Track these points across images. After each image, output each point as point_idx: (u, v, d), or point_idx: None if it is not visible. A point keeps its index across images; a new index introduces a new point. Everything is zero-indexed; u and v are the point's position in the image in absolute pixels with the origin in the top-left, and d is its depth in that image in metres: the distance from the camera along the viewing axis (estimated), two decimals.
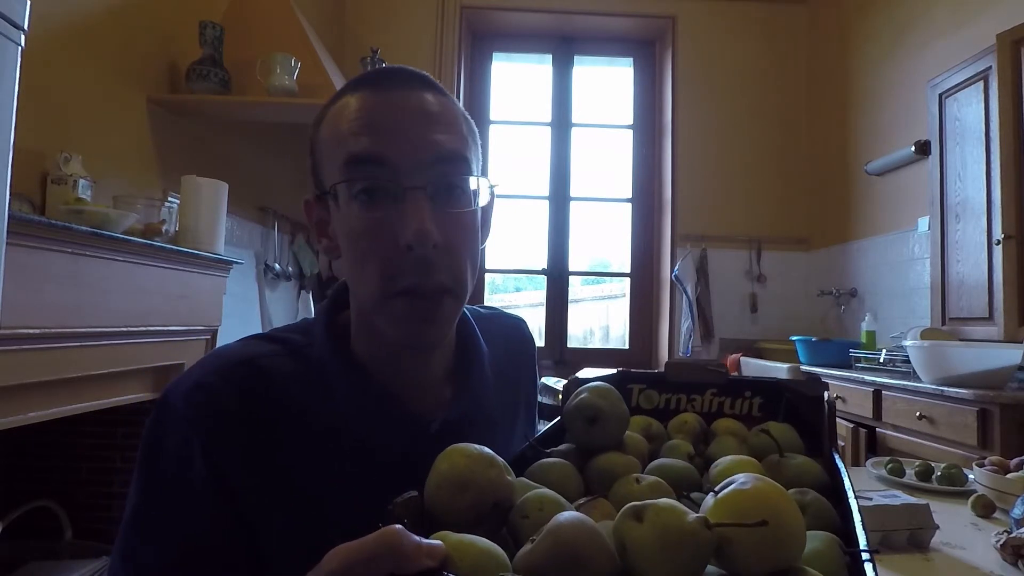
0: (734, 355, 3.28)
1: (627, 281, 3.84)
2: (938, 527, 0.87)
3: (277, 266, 2.67)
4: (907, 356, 2.04)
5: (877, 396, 2.15)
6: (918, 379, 1.97)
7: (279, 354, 0.56)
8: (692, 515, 0.34)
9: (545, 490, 0.43)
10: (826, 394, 0.62)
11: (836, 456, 0.54)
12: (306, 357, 0.57)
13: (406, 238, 0.50)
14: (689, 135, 3.58)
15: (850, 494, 0.44)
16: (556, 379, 2.71)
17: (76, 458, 1.72)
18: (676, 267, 3.47)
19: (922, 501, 0.89)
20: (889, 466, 1.19)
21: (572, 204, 3.82)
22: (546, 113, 3.86)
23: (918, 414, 1.91)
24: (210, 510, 0.49)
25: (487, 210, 0.61)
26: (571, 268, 3.81)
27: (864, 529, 0.39)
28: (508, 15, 3.66)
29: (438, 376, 0.61)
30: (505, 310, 0.79)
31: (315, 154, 0.58)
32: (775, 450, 0.54)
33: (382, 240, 0.52)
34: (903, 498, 0.90)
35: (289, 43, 2.21)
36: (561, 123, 3.84)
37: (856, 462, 2.18)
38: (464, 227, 0.55)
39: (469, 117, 0.59)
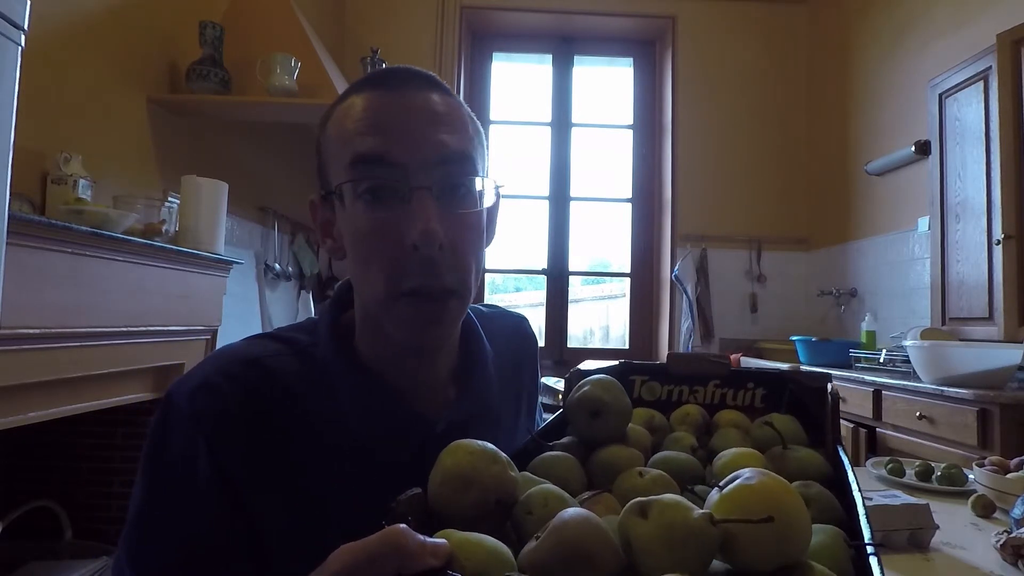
0: (734, 355, 3.28)
1: (627, 281, 3.84)
2: (938, 527, 0.87)
3: (277, 266, 2.67)
4: (907, 356, 2.04)
5: (877, 396, 2.15)
6: (918, 379, 1.97)
7: (284, 354, 0.56)
8: (697, 511, 0.34)
9: (549, 486, 0.43)
10: (829, 385, 0.61)
11: (840, 448, 0.54)
12: (311, 357, 0.57)
13: (412, 238, 0.50)
14: (689, 135, 3.58)
15: (854, 486, 0.44)
16: (556, 379, 2.70)
17: (76, 458, 1.72)
18: (676, 267, 3.47)
19: (922, 501, 0.89)
20: (889, 466, 1.19)
21: (572, 204, 3.82)
22: (546, 113, 3.86)
23: (918, 414, 1.91)
24: (214, 509, 0.49)
25: (492, 211, 0.61)
26: (571, 268, 3.81)
27: (868, 521, 0.39)
28: (508, 15, 3.66)
29: (442, 376, 0.61)
30: (507, 308, 0.79)
31: (321, 154, 0.57)
32: (778, 442, 0.54)
33: (387, 240, 0.51)
34: (903, 498, 0.90)
35: (289, 43, 2.21)
36: (561, 123, 3.84)
37: (856, 462, 2.17)
38: (470, 228, 0.54)
39: (475, 118, 0.59)
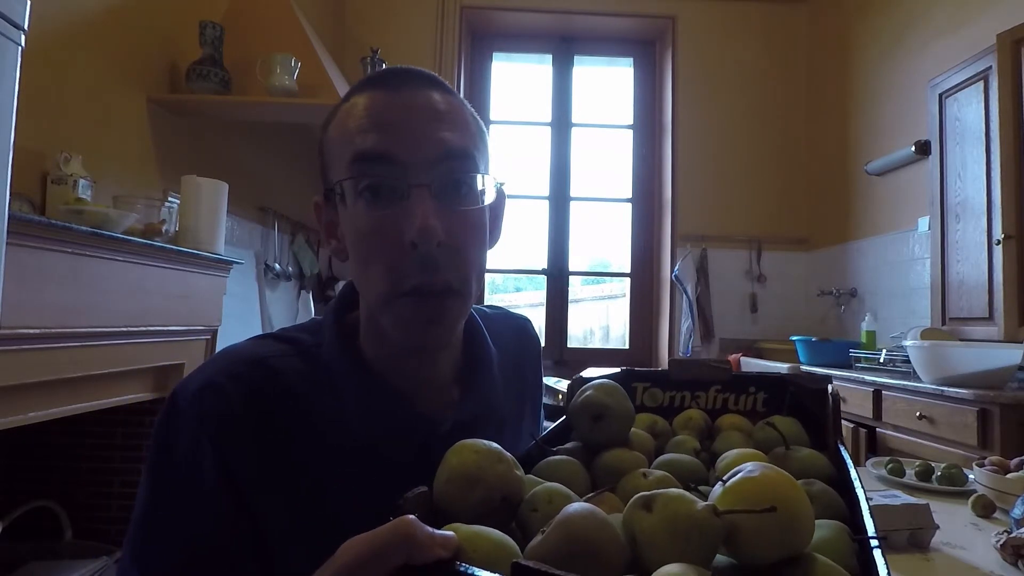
0: (734, 355, 3.28)
1: (627, 281, 3.84)
2: (938, 527, 0.87)
3: (277, 266, 2.67)
4: (907, 356, 2.04)
5: (877, 396, 2.15)
6: (918, 379, 1.97)
7: (288, 354, 0.56)
8: (701, 503, 0.34)
9: (554, 484, 0.43)
10: (830, 387, 0.62)
11: (841, 447, 0.54)
12: (315, 357, 0.57)
13: (410, 235, 0.50)
14: (689, 135, 3.58)
15: (856, 484, 0.44)
16: (556, 379, 2.70)
17: (76, 458, 1.72)
18: (676, 267, 3.47)
19: (922, 501, 0.89)
20: (889, 466, 1.19)
21: (572, 204, 3.82)
22: (546, 113, 3.86)
23: (918, 414, 1.91)
24: (219, 510, 0.49)
25: (497, 211, 0.60)
26: (571, 268, 3.81)
27: (872, 517, 0.39)
28: (508, 15, 3.66)
29: (446, 376, 0.61)
30: (510, 309, 0.79)
31: (324, 155, 0.57)
32: (781, 443, 0.54)
33: (387, 239, 0.51)
34: (903, 498, 0.90)
35: (289, 43, 2.21)
36: (561, 123, 3.84)
37: (856, 462, 2.17)
38: (470, 225, 0.54)
39: (478, 118, 0.59)
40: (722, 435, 0.61)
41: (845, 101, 3.32)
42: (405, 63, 0.60)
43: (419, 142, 0.52)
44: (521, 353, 0.73)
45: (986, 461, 1.08)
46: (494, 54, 3.87)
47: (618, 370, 0.69)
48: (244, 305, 2.45)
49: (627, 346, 3.81)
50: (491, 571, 0.29)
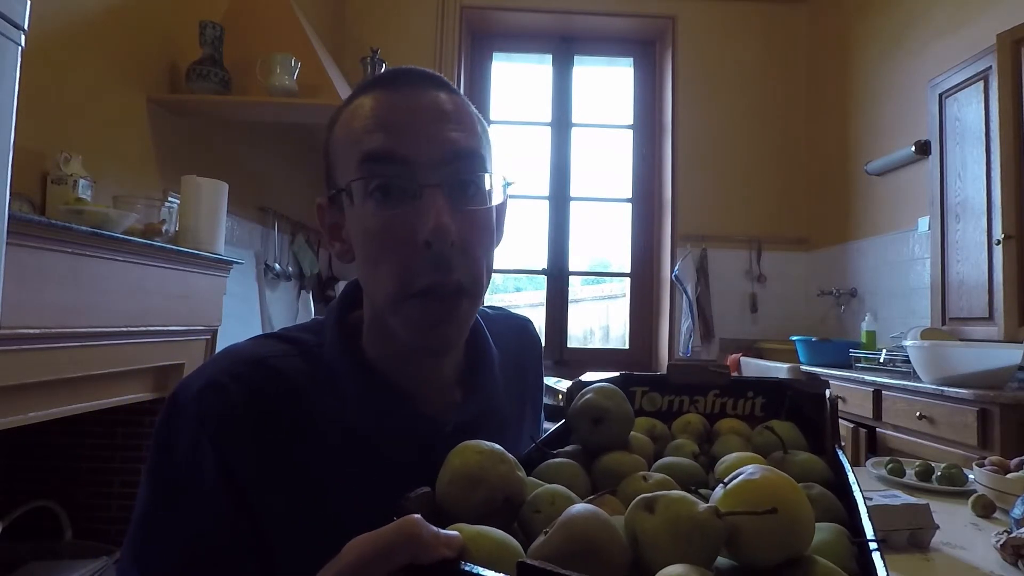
0: (734, 355, 3.28)
1: (627, 281, 3.84)
2: (938, 527, 0.87)
3: (277, 266, 2.67)
4: (907, 356, 2.04)
5: (877, 396, 2.15)
6: (918, 379, 1.97)
7: (290, 354, 0.56)
8: (703, 505, 0.35)
9: (556, 486, 0.44)
10: (827, 392, 0.62)
11: (839, 452, 0.54)
12: (317, 357, 0.56)
13: (424, 235, 0.49)
14: (689, 135, 3.58)
15: (855, 487, 0.45)
16: (556, 379, 2.71)
17: (76, 458, 1.72)
18: (676, 267, 3.47)
19: (922, 501, 0.89)
20: (889, 466, 1.19)
21: (572, 204, 3.82)
22: (546, 113, 3.86)
23: (918, 414, 1.91)
24: (220, 510, 0.49)
25: (501, 210, 0.60)
26: (571, 268, 3.81)
27: (871, 520, 0.39)
28: (508, 15, 3.66)
29: (449, 377, 0.61)
30: (511, 310, 0.79)
31: (329, 156, 0.57)
32: (779, 447, 0.55)
33: (398, 239, 0.51)
34: (903, 498, 0.90)
35: (289, 43, 2.21)
36: (561, 123, 3.85)
37: (856, 462, 2.17)
38: (480, 226, 0.54)
39: (482, 118, 0.59)
40: (721, 439, 0.61)
41: (845, 101, 3.32)
42: (405, 63, 0.60)
43: (428, 142, 0.52)
44: (522, 353, 0.73)
45: (986, 461, 1.09)
46: (494, 54, 3.87)
47: (617, 374, 0.69)
48: (244, 305, 2.45)
49: (627, 346, 3.81)
50: (495, 571, 0.29)
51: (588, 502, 0.44)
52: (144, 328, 1.49)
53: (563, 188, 3.80)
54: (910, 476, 1.17)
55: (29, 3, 0.90)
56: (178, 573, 0.48)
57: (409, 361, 0.57)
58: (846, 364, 2.57)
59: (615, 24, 3.73)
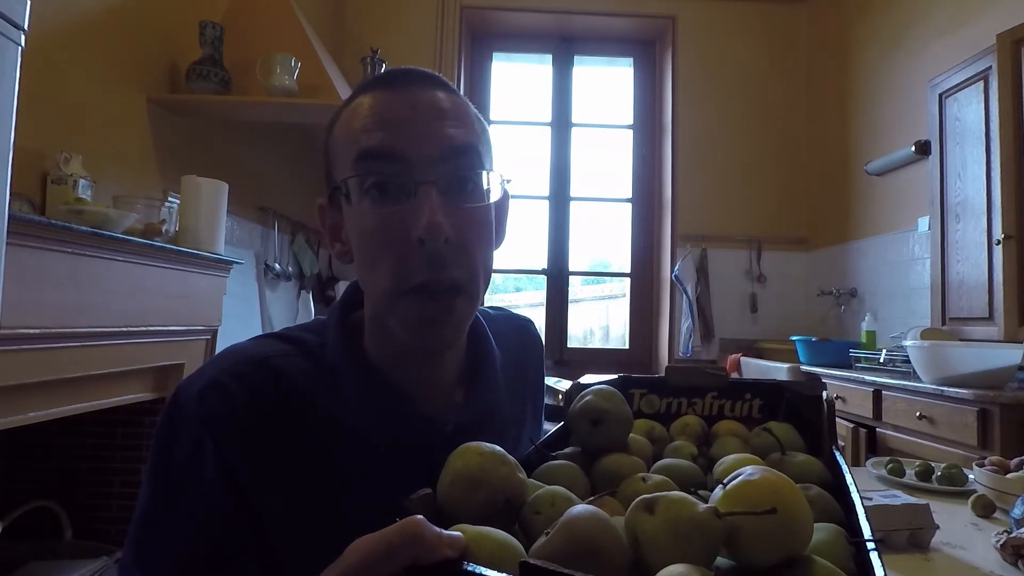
0: (734, 355, 3.28)
1: (627, 281, 3.84)
2: (938, 527, 0.87)
3: (277, 266, 2.67)
4: (907, 356, 2.04)
5: (877, 396, 2.15)
6: (918, 379, 1.97)
7: (292, 354, 0.56)
8: (703, 506, 0.35)
9: (556, 487, 0.44)
10: (824, 393, 0.63)
11: (837, 453, 0.55)
12: (319, 357, 0.56)
13: (417, 232, 0.49)
14: (689, 135, 3.58)
15: (852, 488, 0.45)
16: (556, 379, 2.71)
17: (76, 458, 1.72)
18: (676, 267, 3.47)
19: (922, 501, 0.89)
20: (889, 466, 1.19)
21: (572, 204, 3.82)
22: (546, 113, 3.86)
23: (918, 414, 1.91)
24: (222, 510, 0.49)
25: (501, 210, 0.60)
26: (571, 268, 3.81)
27: (868, 520, 0.39)
28: (508, 15, 3.66)
29: (450, 377, 0.61)
30: (512, 311, 0.79)
31: (328, 156, 0.57)
32: (777, 449, 0.55)
33: (393, 237, 0.51)
34: (903, 498, 0.90)
35: (289, 43, 2.21)
36: (561, 123, 3.85)
37: (856, 462, 2.18)
38: (477, 223, 0.54)
39: (482, 118, 0.59)
40: (719, 441, 0.61)
41: (845, 101, 3.32)
42: (405, 63, 0.60)
43: (425, 139, 0.52)
44: (523, 354, 0.73)
45: (986, 461, 1.09)
46: (494, 54, 3.87)
47: (615, 376, 0.69)
48: (244, 305, 2.45)
49: (627, 346, 3.81)
50: (498, 571, 0.29)
51: (588, 503, 0.44)
52: (144, 328, 1.49)
53: (563, 188, 3.80)
54: (910, 476, 1.17)
55: (29, 3, 0.90)
56: (179, 573, 0.48)
57: (410, 361, 0.57)
58: (846, 364, 2.57)
59: (615, 24, 3.73)
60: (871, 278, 3.04)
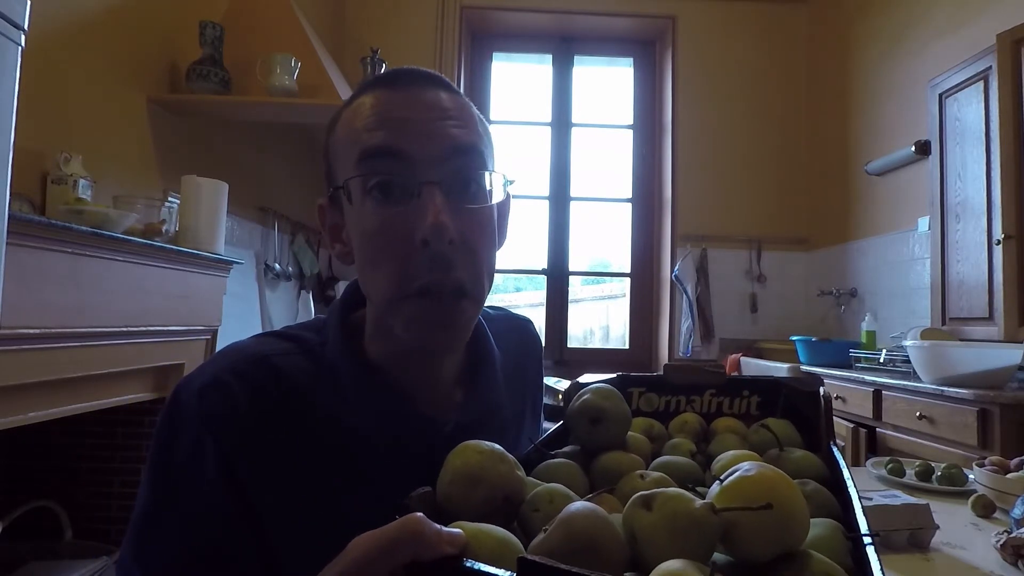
0: (734, 355, 3.28)
1: (627, 281, 3.84)
2: (938, 527, 0.87)
3: (277, 266, 2.67)
4: (907, 356, 2.04)
5: (877, 396, 2.15)
6: (918, 379, 1.97)
7: (292, 352, 0.56)
8: (699, 501, 0.35)
9: (554, 485, 0.44)
10: (821, 389, 0.63)
11: (834, 449, 0.55)
12: (319, 356, 0.56)
13: (422, 233, 0.49)
14: (689, 135, 3.58)
15: (849, 484, 0.45)
16: (556, 379, 2.71)
17: (76, 458, 1.72)
18: (676, 267, 3.47)
19: (922, 501, 0.89)
20: (889, 466, 1.19)
21: (572, 204, 3.82)
22: (546, 113, 3.86)
23: (918, 414, 1.91)
24: (222, 508, 0.49)
25: (503, 211, 0.60)
26: (571, 268, 3.81)
27: (865, 515, 0.39)
28: (508, 15, 3.66)
29: (450, 377, 0.61)
30: (511, 310, 0.79)
31: (329, 156, 0.57)
32: (775, 445, 0.55)
33: (397, 238, 0.51)
34: (903, 498, 0.90)
35: (289, 43, 2.21)
36: (561, 123, 3.85)
37: (856, 462, 2.18)
38: (481, 224, 0.54)
39: (483, 118, 0.59)
40: (717, 438, 0.62)
41: (845, 101, 3.32)
42: (405, 63, 0.60)
43: (428, 138, 0.51)
44: (523, 354, 0.73)
45: (986, 461, 1.09)
46: (494, 54, 3.87)
47: (614, 375, 0.70)
48: (244, 305, 2.45)
49: (627, 346, 3.81)
50: (497, 567, 0.30)
51: (586, 500, 0.44)
52: (144, 328, 1.49)
53: (563, 188, 3.80)
54: (910, 476, 1.17)
55: (29, 3, 0.90)
56: (179, 571, 0.48)
57: (410, 361, 0.57)
58: (846, 364, 2.57)
59: (615, 24, 3.73)
60: (871, 278, 3.04)
